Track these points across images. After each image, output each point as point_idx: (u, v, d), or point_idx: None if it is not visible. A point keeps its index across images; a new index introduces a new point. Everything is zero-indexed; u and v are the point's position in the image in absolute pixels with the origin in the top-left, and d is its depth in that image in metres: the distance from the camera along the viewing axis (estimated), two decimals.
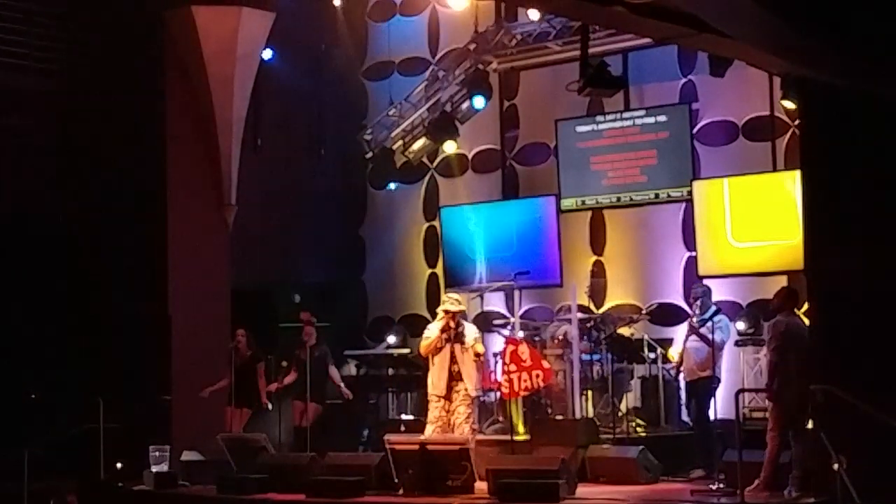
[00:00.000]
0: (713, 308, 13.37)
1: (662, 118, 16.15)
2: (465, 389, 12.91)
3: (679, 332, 14.83)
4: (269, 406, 15.15)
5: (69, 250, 15.77)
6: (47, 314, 15.50)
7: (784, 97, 14.44)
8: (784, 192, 14.20)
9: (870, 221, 10.77)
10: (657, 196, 16.17)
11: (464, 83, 17.24)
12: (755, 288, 15.29)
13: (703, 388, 13.17)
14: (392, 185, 18.22)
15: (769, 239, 14.72)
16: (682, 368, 13.66)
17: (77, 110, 15.80)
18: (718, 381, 13.08)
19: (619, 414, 14.77)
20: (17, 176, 15.45)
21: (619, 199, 16.48)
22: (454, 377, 12.96)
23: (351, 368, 17.13)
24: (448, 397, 12.95)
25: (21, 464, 12.80)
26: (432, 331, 13.12)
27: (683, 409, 14.42)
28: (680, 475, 13.06)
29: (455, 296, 13.50)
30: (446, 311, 13.04)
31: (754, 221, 14.98)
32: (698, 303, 13.49)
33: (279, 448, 14.50)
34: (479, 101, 16.93)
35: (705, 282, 14.77)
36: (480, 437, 14.34)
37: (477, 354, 13.03)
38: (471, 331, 13.12)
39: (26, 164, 15.49)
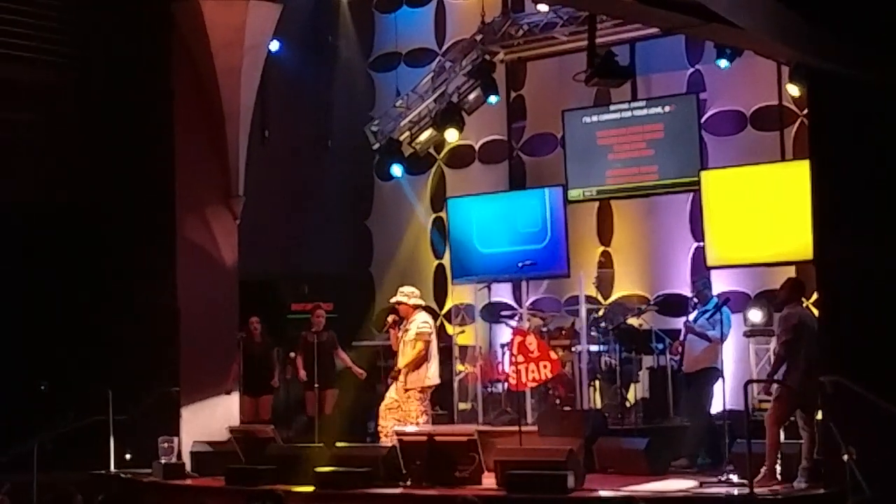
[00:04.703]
0: (714, 300, 13.36)
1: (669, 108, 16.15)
2: (404, 384, 12.97)
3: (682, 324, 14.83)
4: (277, 384, 15.45)
5: (77, 242, 15.78)
6: (55, 306, 15.53)
7: (791, 82, 14.43)
8: (792, 181, 14.15)
9: (879, 211, 10.75)
10: (664, 186, 16.12)
11: (471, 74, 17.22)
12: (764, 278, 15.26)
13: (702, 380, 13.18)
14: (398, 171, 18.06)
15: (778, 229, 14.66)
16: (682, 361, 13.66)
17: (85, 103, 15.81)
18: (720, 373, 13.04)
19: (628, 405, 14.77)
20: (26, 168, 15.46)
21: (625, 188, 16.40)
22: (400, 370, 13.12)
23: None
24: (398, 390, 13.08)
25: (30, 455, 12.82)
26: None
27: None
28: (688, 466, 13.05)
29: (406, 287, 13.41)
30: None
31: (763, 211, 14.93)
32: (702, 294, 13.51)
33: (291, 438, 14.62)
34: (493, 99, 16.94)
35: (713, 273, 14.77)
36: (488, 427, 14.37)
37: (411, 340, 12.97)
38: (417, 320, 13.07)
39: (35, 156, 15.50)
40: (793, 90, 14.67)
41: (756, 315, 14.90)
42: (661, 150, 16.07)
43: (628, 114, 16.40)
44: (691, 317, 13.46)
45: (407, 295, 13.14)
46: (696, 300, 13.62)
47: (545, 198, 16.51)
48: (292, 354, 15.58)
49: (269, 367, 15.44)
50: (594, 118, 16.66)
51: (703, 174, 15.49)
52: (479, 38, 17.42)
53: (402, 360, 13.11)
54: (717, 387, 13.05)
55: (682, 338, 13.51)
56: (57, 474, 12.94)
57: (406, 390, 12.98)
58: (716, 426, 12.96)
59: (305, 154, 18.42)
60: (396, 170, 17.95)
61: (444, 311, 18.05)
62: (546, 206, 16.40)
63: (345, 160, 18.83)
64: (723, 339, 13.01)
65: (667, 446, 13.11)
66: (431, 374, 13.02)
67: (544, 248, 16.26)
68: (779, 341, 11.66)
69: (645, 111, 16.27)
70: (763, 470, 11.35)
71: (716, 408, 13.32)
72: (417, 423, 12.84)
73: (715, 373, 13.06)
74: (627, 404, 14.81)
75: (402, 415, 13.02)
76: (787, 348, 11.43)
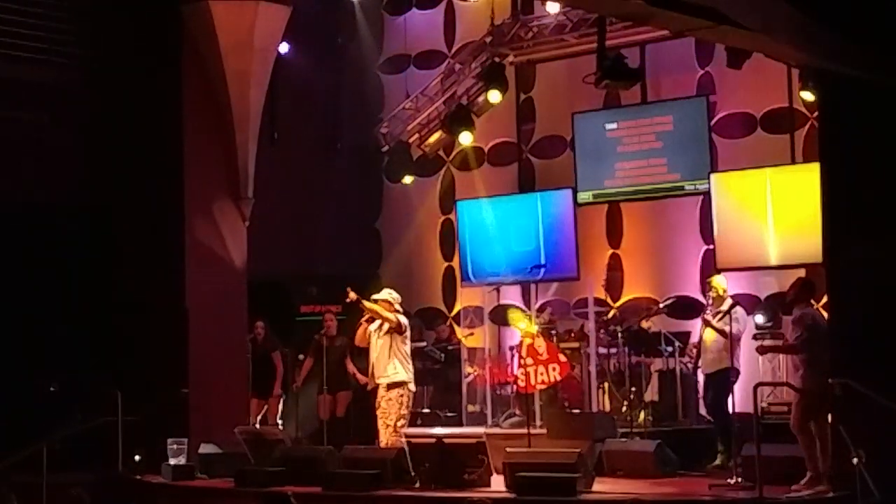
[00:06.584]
0: (729, 300, 13.34)
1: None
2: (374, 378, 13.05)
3: (696, 326, 14.79)
4: (283, 396, 15.64)
5: (87, 243, 15.80)
6: (65, 307, 15.54)
7: (803, 89, 14.39)
8: (803, 184, 14.13)
9: (889, 214, 10.74)
10: (674, 189, 16.08)
11: (480, 76, 17.21)
12: (773, 281, 15.23)
13: (721, 380, 13.14)
14: (408, 179, 18.16)
15: (788, 232, 14.65)
16: (699, 362, 13.63)
17: (95, 104, 15.83)
18: (738, 372, 13.00)
19: (637, 408, 14.75)
20: (35, 168, 15.49)
21: (635, 188, 16.37)
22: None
23: None
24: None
25: (39, 457, 12.82)
26: None
27: (701, 402, 14.37)
28: (697, 469, 13.03)
29: (393, 292, 13.43)
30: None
31: (773, 214, 14.91)
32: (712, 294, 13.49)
33: (303, 440, 14.63)
34: (494, 96, 16.87)
35: (723, 275, 14.72)
36: (497, 430, 14.35)
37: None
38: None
39: (45, 157, 15.53)
40: (807, 96, 14.59)
41: (760, 318, 14.88)
42: (671, 142, 16.03)
43: (637, 105, 16.44)
44: (708, 315, 13.43)
45: (395, 298, 13.19)
46: (710, 301, 13.58)
47: (554, 200, 16.45)
48: (301, 357, 15.60)
49: (272, 370, 15.52)
50: (602, 110, 16.68)
51: (713, 177, 15.47)
52: (488, 40, 17.40)
53: (375, 355, 13.09)
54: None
55: (697, 335, 13.47)
56: (66, 476, 12.95)
57: (388, 387, 12.89)
58: (734, 427, 12.92)
59: (315, 156, 18.42)
60: (407, 179, 18.08)
61: (453, 314, 18.06)
62: (555, 208, 16.35)
63: (354, 162, 18.84)
64: (739, 335, 13.02)
65: (675, 449, 13.09)
66: (400, 370, 12.95)
67: (554, 251, 16.23)
68: (795, 339, 11.55)
69: (654, 102, 16.34)
70: (808, 475, 11.25)
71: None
72: (395, 428, 12.75)
73: (733, 371, 13.00)
74: (636, 407, 14.78)
75: (381, 413, 12.95)
76: (802, 344, 11.33)
